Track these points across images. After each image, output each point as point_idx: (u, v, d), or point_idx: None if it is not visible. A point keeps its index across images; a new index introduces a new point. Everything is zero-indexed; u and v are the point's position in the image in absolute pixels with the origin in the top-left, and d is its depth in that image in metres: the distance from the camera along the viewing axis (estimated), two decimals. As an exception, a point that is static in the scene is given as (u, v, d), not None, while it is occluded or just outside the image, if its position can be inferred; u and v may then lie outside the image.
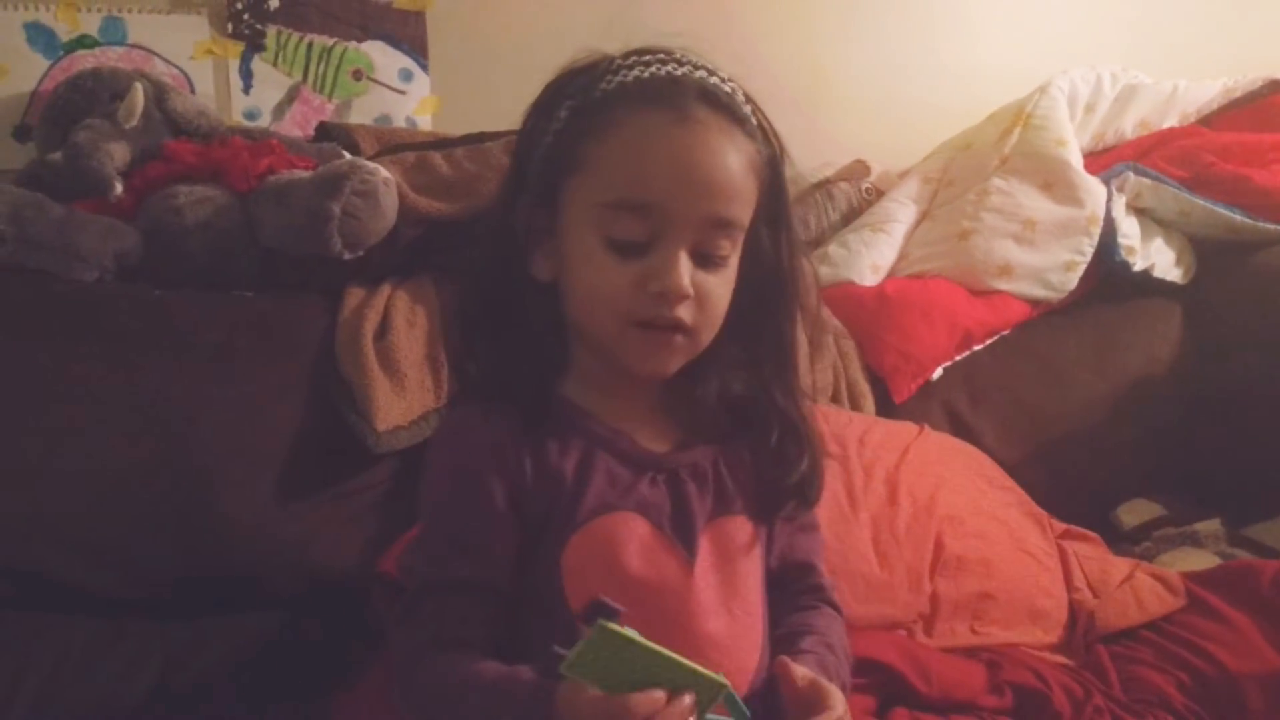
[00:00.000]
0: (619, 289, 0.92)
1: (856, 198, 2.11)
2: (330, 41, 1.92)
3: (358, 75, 1.94)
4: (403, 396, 1.46)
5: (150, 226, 1.57)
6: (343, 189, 1.50)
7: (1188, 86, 2.22)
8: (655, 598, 0.94)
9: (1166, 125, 2.19)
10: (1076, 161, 2.02)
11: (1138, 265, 1.99)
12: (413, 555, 0.99)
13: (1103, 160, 2.11)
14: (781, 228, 1.00)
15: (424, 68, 1.97)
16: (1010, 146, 2.05)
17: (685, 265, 0.91)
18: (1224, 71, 2.25)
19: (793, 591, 1.07)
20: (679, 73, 0.95)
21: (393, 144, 1.76)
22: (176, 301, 1.52)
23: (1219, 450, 1.94)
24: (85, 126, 1.61)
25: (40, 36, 1.76)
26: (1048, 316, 1.98)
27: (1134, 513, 1.86)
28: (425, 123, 1.98)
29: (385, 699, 1.24)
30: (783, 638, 1.02)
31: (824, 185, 2.11)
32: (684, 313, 0.92)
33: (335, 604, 1.40)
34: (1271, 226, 2.01)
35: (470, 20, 1.99)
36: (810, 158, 2.10)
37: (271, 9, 1.88)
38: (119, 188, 1.59)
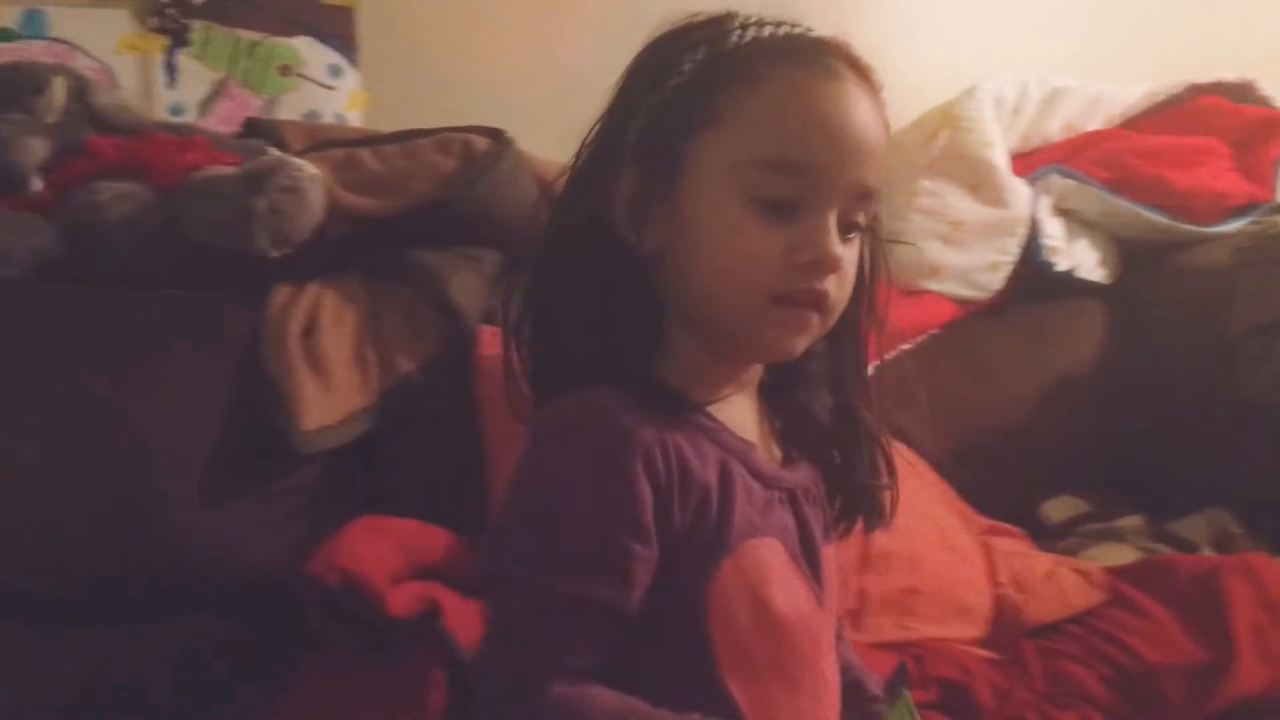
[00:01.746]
0: (765, 258, 0.81)
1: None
2: (258, 36, 1.90)
3: (286, 71, 1.92)
4: (330, 395, 1.45)
5: (71, 223, 1.54)
6: (268, 185, 1.48)
7: (1112, 91, 2.25)
8: (793, 637, 0.84)
9: (1091, 128, 2.22)
10: (1003, 164, 2.04)
11: (1062, 265, 2.02)
12: (516, 560, 0.81)
13: (1029, 162, 2.14)
14: (878, 230, 0.92)
15: (353, 63, 1.96)
16: (938, 149, 2.07)
17: (836, 233, 0.82)
18: (1147, 76, 2.29)
19: None
20: (816, 34, 0.87)
21: (321, 140, 1.74)
22: (98, 299, 1.50)
23: (1142, 447, 1.98)
24: (3, 120, 1.57)
25: (-43, 29, 1.73)
26: (975, 316, 2.00)
27: (1059, 509, 1.89)
28: (355, 119, 1.97)
29: (328, 700, 1.23)
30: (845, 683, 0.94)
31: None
32: (830, 286, 0.83)
33: (268, 606, 1.38)
34: (1191, 228, 2.06)
35: (400, 16, 1.97)
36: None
37: (197, 3, 1.85)
38: (38, 183, 1.56)
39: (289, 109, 1.93)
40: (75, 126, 1.64)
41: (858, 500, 0.94)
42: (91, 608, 1.36)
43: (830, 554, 0.92)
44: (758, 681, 0.82)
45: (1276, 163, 2.07)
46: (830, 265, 0.82)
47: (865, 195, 0.84)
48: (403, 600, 1.22)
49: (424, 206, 1.57)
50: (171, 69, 1.87)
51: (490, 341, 1.54)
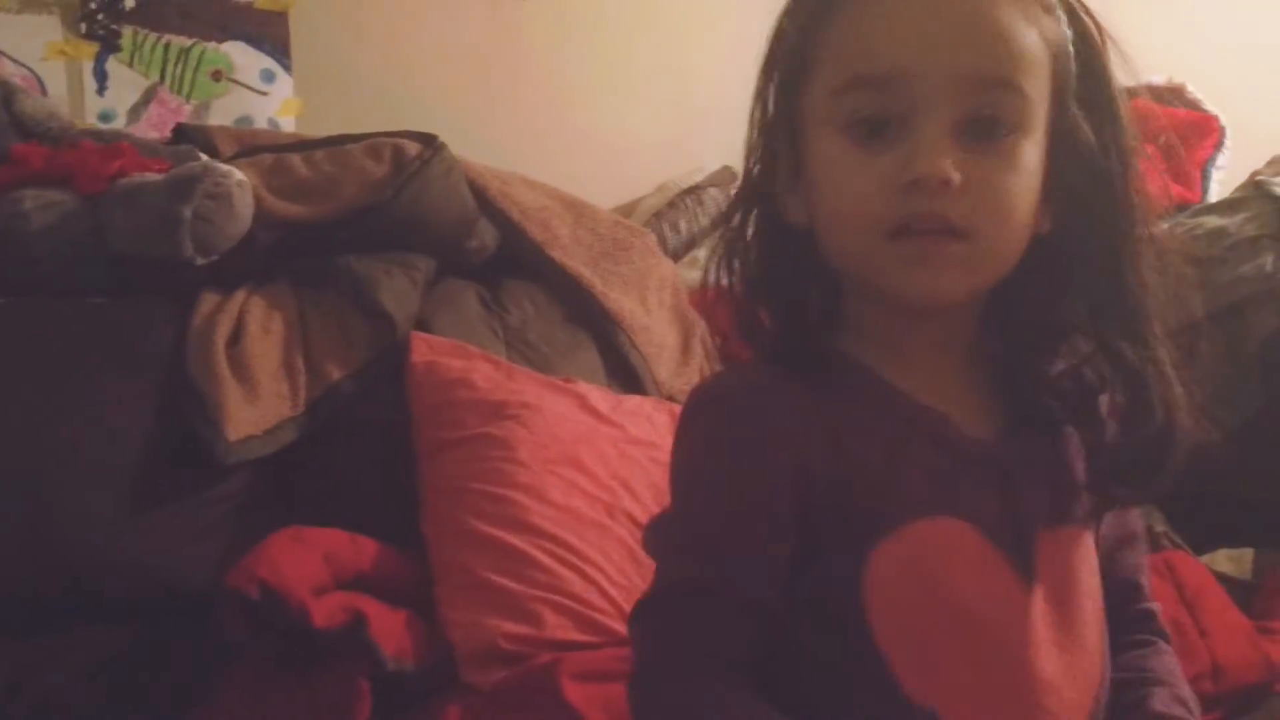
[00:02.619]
0: (865, 189, 0.75)
1: (725, 203, 2.13)
2: (188, 42, 1.88)
3: (217, 76, 1.91)
4: (256, 405, 1.44)
5: (-6, 231, 1.52)
6: (194, 192, 1.46)
7: None
8: (984, 630, 0.77)
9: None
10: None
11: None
12: (663, 543, 0.83)
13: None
14: (1107, 117, 0.77)
15: (286, 68, 1.94)
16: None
17: (943, 145, 0.73)
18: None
19: (1119, 621, 0.87)
20: None
21: (251, 146, 1.72)
22: (22, 308, 1.48)
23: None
24: (-77, 129, 1.55)
25: (-123, 34, 1.70)
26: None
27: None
28: (289, 124, 1.96)
29: (251, 712, 1.22)
30: (1121, 685, 0.84)
31: (694, 191, 2.13)
32: (949, 206, 0.73)
33: (192, 617, 1.37)
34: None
35: (334, 20, 1.97)
36: (680, 164, 2.12)
37: (127, 8, 1.84)
38: (-40, 191, 1.54)
39: (221, 114, 1.92)
40: (0, 135, 1.61)
41: (1113, 461, 0.80)
42: (8, 618, 1.34)
43: (1078, 537, 0.81)
44: (938, 674, 0.76)
45: (1205, 165, 2.10)
46: (932, 179, 0.72)
47: (989, 86, 0.74)
48: (326, 611, 1.21)
49: (353, 212, 1.56)
50: (102, 75, 1.85)
51: (421, 348, 1.54)
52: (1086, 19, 0.79)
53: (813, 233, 0.80)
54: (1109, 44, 0.79)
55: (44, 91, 1.81)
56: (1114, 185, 0.77)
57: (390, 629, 1.24)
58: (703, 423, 0.79)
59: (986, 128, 0.74)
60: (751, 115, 0.85)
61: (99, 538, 1.36)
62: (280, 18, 1.93)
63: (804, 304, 0.82)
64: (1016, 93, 0.74)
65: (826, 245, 0.80)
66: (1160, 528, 1.67)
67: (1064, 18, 0.78)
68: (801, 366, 0.79)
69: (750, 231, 0.84)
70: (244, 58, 1.92)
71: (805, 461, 0.75)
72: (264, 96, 1.94)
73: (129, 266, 1.52)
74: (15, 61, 1.79)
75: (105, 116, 1.85)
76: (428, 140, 1.65)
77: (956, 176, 0.72)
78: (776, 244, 0.83)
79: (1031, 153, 0.75)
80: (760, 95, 0.84)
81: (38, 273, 1.50)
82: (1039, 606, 0.78)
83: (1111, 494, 0.82)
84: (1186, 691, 0.86)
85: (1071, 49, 0.77)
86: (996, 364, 0.82)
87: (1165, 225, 0.82)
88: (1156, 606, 0.92)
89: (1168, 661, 0.88)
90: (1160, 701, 0.83)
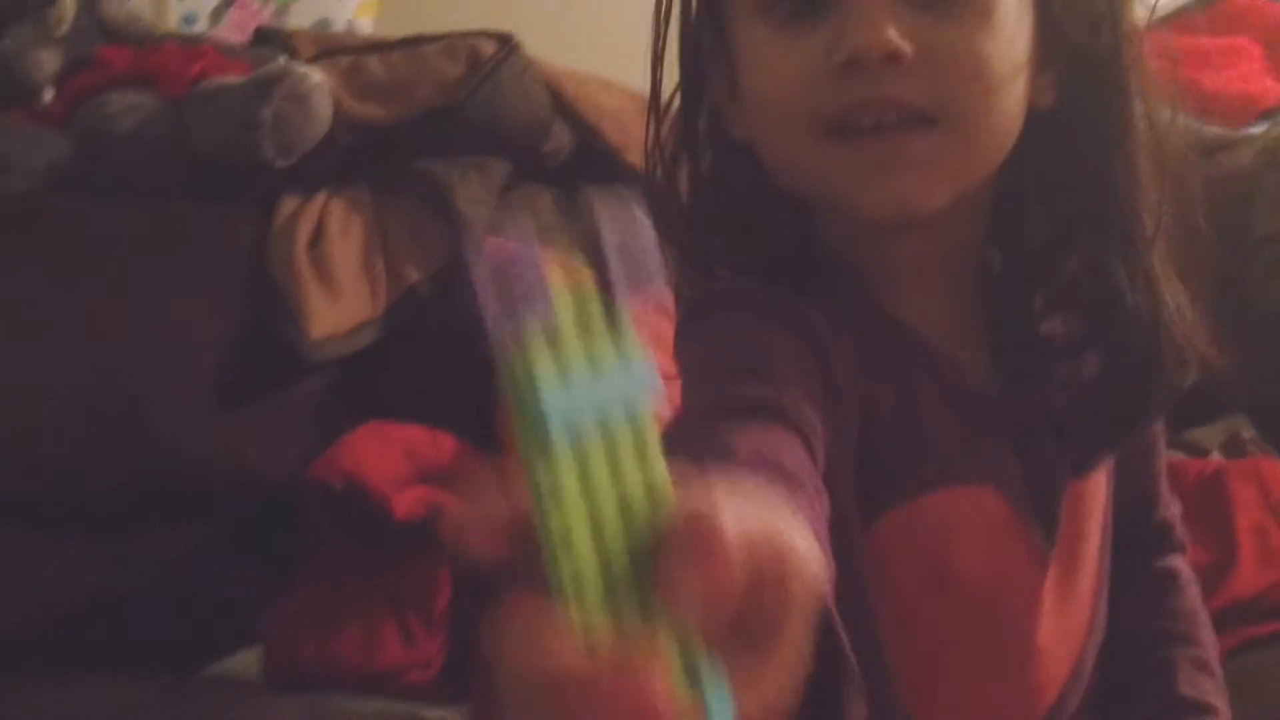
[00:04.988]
0: (786, 79, 0.60)
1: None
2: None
3: (294, -20, 1.91)
4: (337, 305, 1.46)
5: (81, 135, 1.55)
6: (273, 93, 1.47)
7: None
8: (991, 605, 0.66)
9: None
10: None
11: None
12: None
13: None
14: None
15: (358, -31, 1.94)
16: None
17: (884, 8, 0.57)
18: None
19: (1129, 545, 0.75)
20: None
21: (329, 48, 1.73)
22: (110, 210, 1.51)
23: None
24: (13, 33, 1.58)
25: (-35, -60, 1.72)
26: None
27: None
28: (366, 26, 1.95)
29: (332, 598, 1.26)
30: (1139, 642, 0.75)
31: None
32: (903, 87, 0.57)
33: (270, 513, 1.41)
34: (1218, 131, 2.01)
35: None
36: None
37: (209, -87, 1.84)
38: (48, 95, 1.57)
39: (300, 18, 1.92)
40: (85, 38, 1.64)
41: (1119, 406, 0.66)
42: (101, 514, 1.39)
43: (1094, 485, 0.70)
44: (927, 656, 0.65)
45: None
46: (874, 56, 0.56)
47: None
48: (407, 503, 1.24)
49: (428, 114, 1.56)
50: (184, -22, 1.86)
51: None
52: None
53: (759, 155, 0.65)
54: None
55: (127, -4, 1.82)
56: (1097, 55, 0.63)
57: (467, 522, 1.27)
58: (722, 316, 0.62)
59: None
60: (668, 14, 0.69)
61: (186, 434, 1.41)
62: (356, -81, 1.92)
63: (767, 230, 0.67)
64: None
65: (763, 157, 0.64)
66: (1248, 433, 1.64)
67: None
68: (796, 278, 0.62)
69: (694, 151, 0.69)
70: (322, -41, 1.92)
71: (835, 378, 0.59)
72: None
73: (211, 169, 1.55)
74: (99, -35, 1.81)
75: (188, 19, 1.87)
76: (503, 40, 1.64)
77: (907, 46, 0.56)
78: (723, 163, 0.68)
79: (1008, 10, 0.60)
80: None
81: (123, 175, 1.53)
82: (1051, 574, 0.67)
83: (1103, 427, 0.68)
84: (1207, 642, 0.77)
85: None
86: (996, 291, 0.67)
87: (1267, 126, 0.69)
88: (1173, 511, 0.80)
89: (1186, 601, 0.78)
90: (1185, 678, 0.74)
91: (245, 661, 1.27)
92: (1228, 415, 1.82)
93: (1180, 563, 0.80)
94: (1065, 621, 0.69)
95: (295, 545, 1.32)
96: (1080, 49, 0.63)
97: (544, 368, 0.33)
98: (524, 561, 0.31)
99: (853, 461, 0.59)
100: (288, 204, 1.54)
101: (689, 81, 0.68)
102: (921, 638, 0.64)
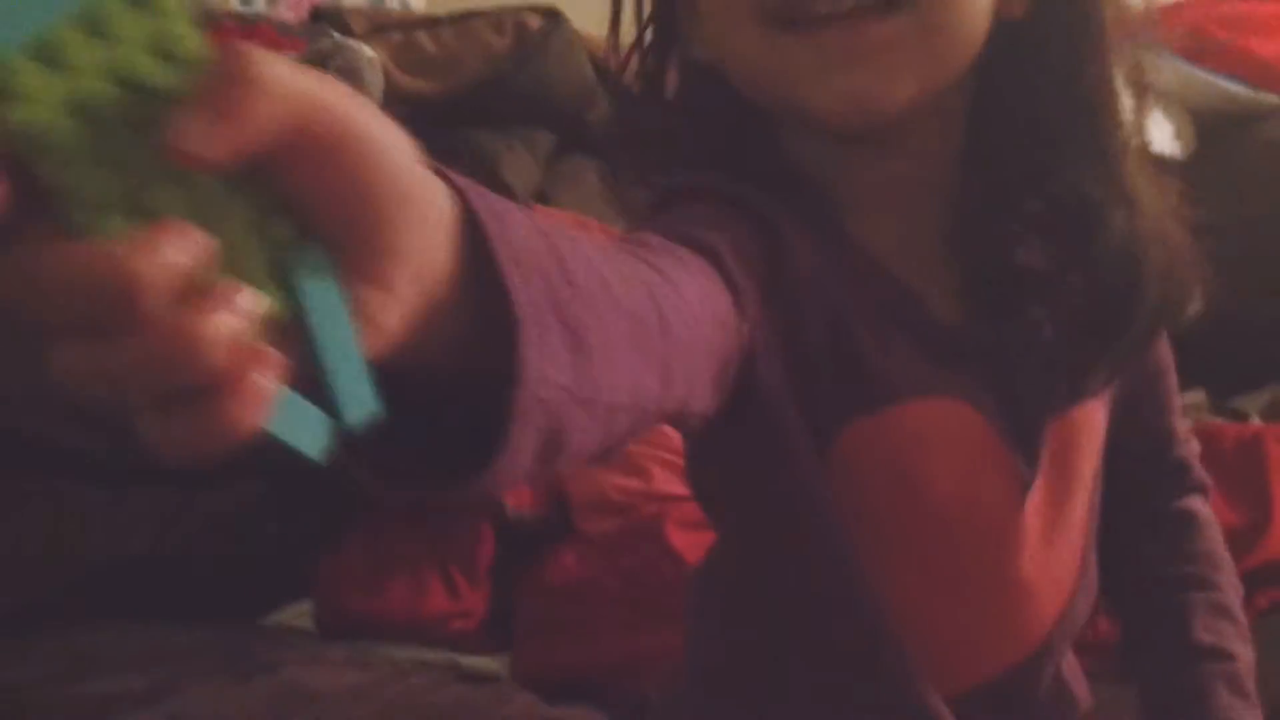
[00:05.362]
0: None
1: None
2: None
3: (349, -44, 1.95)
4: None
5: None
6: (326, 69, 1.52)
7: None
8: (968, 525, 0.64)
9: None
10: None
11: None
12: None
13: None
14: None
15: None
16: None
17: None
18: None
19: (1144, 486, 0.75)
20: None
21: (381, 23, 1.78)
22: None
23: (1211, 324, 1.95)
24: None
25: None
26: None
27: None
28: (419, 3, 2.00)
29: (368, 561, 1.31)
30: (1156, 585, 0.74)
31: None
32: None
33: (322, 470, 1.45)
34: (1272, 98, 1.99)
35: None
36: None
37: (267, -106, 1.89)
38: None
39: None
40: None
41: (1080, 328, 0.64)
42: (155, 472, 1.45)
43: (1086, 414, 0.68)
44: (909, 575, 0.64)
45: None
46: None
47: None
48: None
49: (476, 87, 1.61)
50: (242, -42, 1.91)
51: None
52: None
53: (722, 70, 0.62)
54: None
55: (188, -25, 1.88)
56: None
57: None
58: (680, 209, 0.58)
59: None
60: None
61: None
62: (409, -104, 1.96)
63: (731, 149, 0.64)
64: None
65: (721, 59, 0.61)
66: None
67: None
68: (761, 190, 0.58)
69: (652, 83, 0.67)
70: (375, -63, 1.96)
71: (790, 274, 0.56)
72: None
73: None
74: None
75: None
76: (549, 13, 1.68)
77: None
78: (688, 84, 0.66)
79: None
80: None
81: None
82: (1034, 503, 0.65)
83: (1089, 351, 0.65)
84: (1227, 585, 0.75)
85: None
86: (966, 220, 0.64)
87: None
88: (1190, 450, 0.78)
89: (1204, 543, 0.76)
90: (1202, 623, 0.72)
91: (297, 613, 1.33)
92: (1274, 384, 1.82)
93: (1198, 503, 0.78)
94: (1053, 556, 0.67)
95: (347, 501, 1.37)
96: None
97: None
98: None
99: (801, 366, 0.57)
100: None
101: (655, 4, 0.66)
102: (899, 556, 0.63)
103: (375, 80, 1.57)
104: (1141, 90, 0.64)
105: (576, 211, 1.64)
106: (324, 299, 0.30)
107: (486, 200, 0.34)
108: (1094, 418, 0.69)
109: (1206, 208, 1.97)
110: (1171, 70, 1.98)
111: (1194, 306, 0.68)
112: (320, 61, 1.53)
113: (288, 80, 0.28)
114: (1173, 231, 0.65)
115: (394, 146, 0.30)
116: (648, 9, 0.66)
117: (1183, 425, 0.79)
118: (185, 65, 0.28)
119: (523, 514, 1.31)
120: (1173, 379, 0.77)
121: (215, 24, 1.70)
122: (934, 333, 0.63)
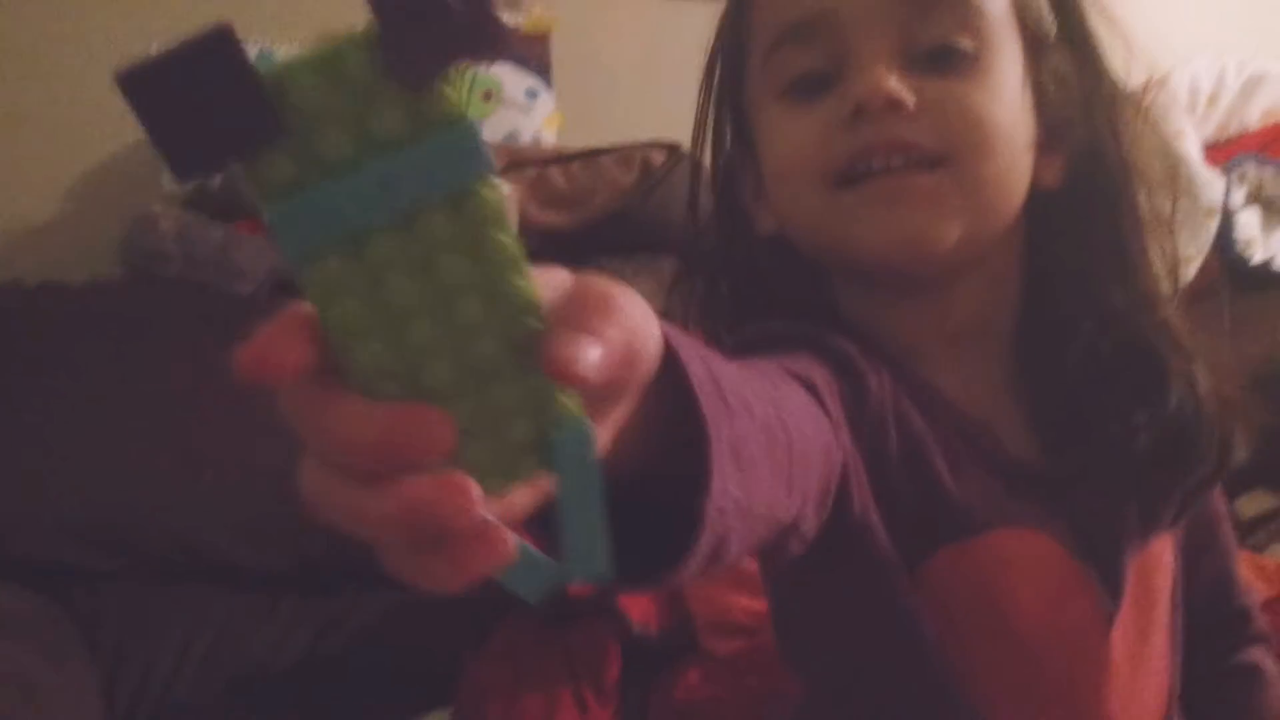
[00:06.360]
0: (802, 140, 0.65)
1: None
2: (463, 67, 2.05)
3: (488, 96, 2.07)
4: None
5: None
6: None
7: (1316, 75, 2.18)
8: (1054, 655, 0.66)
9: (1293, 114, 2.16)
10: (1194, 154, 2.01)
11: (1257, 257, 1.98)
12: None
13: (1226, 151, 2.10)
14: (1087, 69, 0.69)
15: (548, 85, 2.09)
16: (1126, 140, 2.06)
17: (885, 68, 0.63)
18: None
19: (1212, 628, 0.77)
20: None
21: (517, 160, 1.88)
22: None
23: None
24: (242, 155, 1.77)
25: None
26: (1185, 301, 1.98)
27: (1252, 504, 1.86)
28: (550, 137, 2.10)
29: (516, 663, 1.36)
30: None
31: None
32: (907, 129, 0.62)
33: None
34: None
35: (591, 40, 2.10)
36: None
37: (409, 39, 2.02)
38: (272, 209, 1.76)
39: (491, 131, 2.07)
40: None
41: (1148, 459, 0.67)
42: (310, 581, 1.53)
43: (1161, 548, 0.71)
44: (996, 707, 0.66)
45: None
46: (877, 102, 0.62)
47: (929, 2, 0.64)
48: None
49: (605, 219, 1.69)
50: (388, 100, 2.05)
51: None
52: None
53: (786, 237, 0.70)
54: None
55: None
56: (1091, 115, 0.68)
57: (637, 598, 1.36)
58: (754, 355, 0.58)
59: (941, 55, 0.64)
60: (700, 127, 0.76)
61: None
62: (543, 40, 2.08)
63: (797, 311, 0.68)
64: (966, 6, 0.64)
65: (786, 226, 0.69)
66: None
67: None
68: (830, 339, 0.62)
69: (723, 254, 0.75)
70: (511, 78, 2.07)
71: (870, 406, 0.60)
72: (528, 113, 2.09)
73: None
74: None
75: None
76: (672, 148, 1.76)
77: (909, 96, 0.62)
78: (753, 260, 0.72)
79: (1005, 76, 0.65)
80: (704, 101, 0.75)
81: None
82: (1118, 635, 0.68)
83: (1158, 486, 0.69)
84: None
85: None
86: (1030, 360, 0.71)
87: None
88: (1251, 600, 0.81)
89: (1271, 699, 0.77)
90: None
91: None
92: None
93: (1261, 654, 0.80)
94: (1138, 688, 0.69)
95: (486, 613, 1.43)
96: (1079, 132, 0.68)
97: (277, 179, 0.28)
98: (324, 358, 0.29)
99: (886, 496, 0.61)
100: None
101: (722, 188, 0.75)
102: (988, 683, 0.65)
103: (512, 216, 1.66)
104: (1175, 269, 0.71)
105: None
106: (582, 475, 0.32)
107: (671, 328, 0.37)
108: (1165, 555, 0.72)
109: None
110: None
111: (1242, 451, 0.72)
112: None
113: (631, 308, 0.31)
114: (1219, 379, 0.70)
115: (654, 329, 0.33)
116: (716, 197, 0.74)
117: (1240, 571, 0.82)
118: (489, 266, 0.30)
119: (647, 630, 1.35)
120: (1229, 527, 0.81)
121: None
122: (1008, 467, 0.67)
